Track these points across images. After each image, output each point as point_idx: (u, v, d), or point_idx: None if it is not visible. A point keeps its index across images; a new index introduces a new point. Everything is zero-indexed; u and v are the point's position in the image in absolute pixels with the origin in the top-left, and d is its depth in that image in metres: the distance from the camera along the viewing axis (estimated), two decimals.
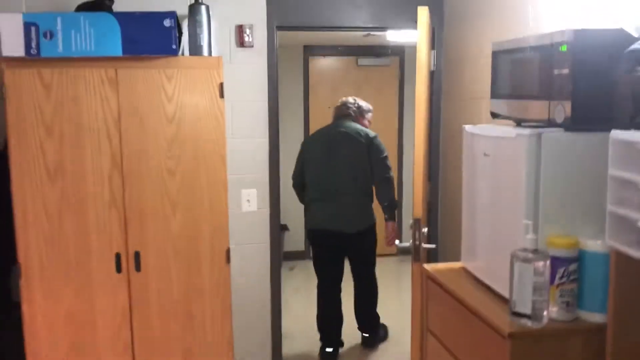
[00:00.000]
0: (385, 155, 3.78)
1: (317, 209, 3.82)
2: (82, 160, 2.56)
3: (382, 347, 4.04)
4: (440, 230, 3.50)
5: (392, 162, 5.67)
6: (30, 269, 2.56)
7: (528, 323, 1.53)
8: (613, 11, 1.85)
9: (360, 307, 4.09)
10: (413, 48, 5.79)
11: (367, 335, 4.13)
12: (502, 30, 2.60)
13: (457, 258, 2.13)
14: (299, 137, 5.87)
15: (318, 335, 3.99)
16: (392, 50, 5.95)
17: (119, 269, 2.65)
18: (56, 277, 2.58)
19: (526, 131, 1.59)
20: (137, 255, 2.65)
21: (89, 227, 2.60)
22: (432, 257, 3.30)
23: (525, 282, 1.51)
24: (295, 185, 4.00)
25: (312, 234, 3.91)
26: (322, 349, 3.96)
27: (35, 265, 2.56)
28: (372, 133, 3.83)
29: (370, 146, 3.75)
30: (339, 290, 3.97)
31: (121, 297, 2.67)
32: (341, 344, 4.01)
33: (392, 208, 3.79)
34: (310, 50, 5.87)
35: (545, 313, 1.53)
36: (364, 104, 4.05)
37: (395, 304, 4.87)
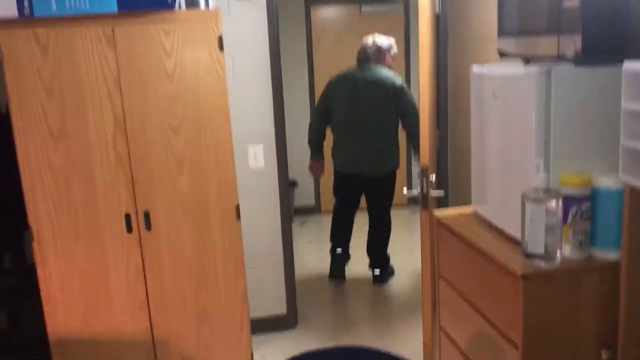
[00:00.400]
0: (415, 106, 3.86)
1: (343, 153, 4.08)
2: (84, 122, 2.53)
3: (395, 293, 4.07)
4: (450, 176, 3.47)
5: None
6: (42, 233, 2.57)
7: (541, 263, 1.51)
8: None
9: (374, 245, 4.31)
10: None
11: (377, 273, 4.31)
12: None
13: (467, 204, 2.10)
14: (305, 89, 5.80)
15: (332, 285, 4.06)
16: None
17: (129, 229, 2.65)
18: (68, 240, 2.60)
19: (535, 68, 1.54)
20: (146, 214, 2.65)
21: (97, 188, 2.59)
22: (442, 204, 3.28)
23: (537, 223, 1.49)
24: (315, 124, 4.20)
25: (338, 174, 4.21)
26: (333, 251, 4.32)
27: (47, 229, 2.57)
28: (397, 81, 3.90)
29: (399, 96, 3.88)
30: (353, 214, 4.32)
31: (134, 257, 2.68)
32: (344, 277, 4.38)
33: None
34: (312, 0, 5.72)
35: (558, 253, 1.51)
36: (384, 42, 4.04)
37: (406, 253, 4.89)
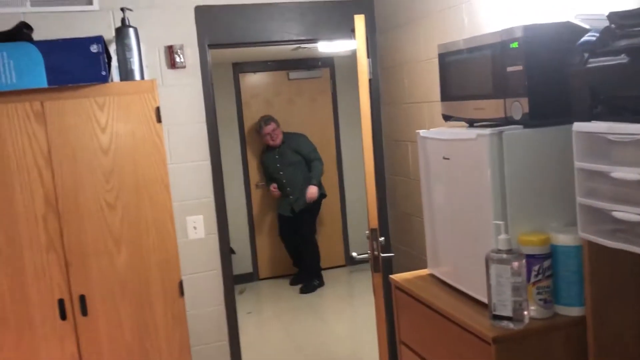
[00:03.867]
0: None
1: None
2: (11, 203, 2.35)
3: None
4: (392, 239, 3.48)
5: (332, 172, 5.68)
6: None
7: (510, 325, 1.50)
8: (547, 7, 1.88)
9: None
10: (342, 58, 5.86)
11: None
12: (437, 34, 2.61)
13: (412, 266, 2.10)
14: (237, 155, 5.75)
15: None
16: (322, 62, 5.95)
17: (63, 315, 2.45)
18: None
19: (487, 131, 1.57)
20: (82, 298, 2.47)
21: (26, 273, 2.39)
22: (386, 266, 3.26)
23: (503, 284, 1.48)
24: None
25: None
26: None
27: None
28: None
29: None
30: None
31: (69, 345, 2.47)
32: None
33: None
34: (240, 68, 5.77)
35: (525, 313, 1.51)
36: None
37: (351, 318, 4.81)
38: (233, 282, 3.36)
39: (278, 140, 5.46)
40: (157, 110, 2.51)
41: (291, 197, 5.47)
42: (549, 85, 1.53)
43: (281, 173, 5.50)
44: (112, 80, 2.61)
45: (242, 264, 5.87)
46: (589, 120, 1.37)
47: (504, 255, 1.49)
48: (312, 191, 5.37)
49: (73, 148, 2.42)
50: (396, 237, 3.41)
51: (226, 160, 5.64)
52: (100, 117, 2.44)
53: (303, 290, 5.53)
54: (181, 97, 3.10)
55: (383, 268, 2.99)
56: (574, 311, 1.54)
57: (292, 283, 5.76)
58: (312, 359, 4.04)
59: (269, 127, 5.43)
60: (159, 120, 2.51)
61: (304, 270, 5.68)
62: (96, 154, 2.45)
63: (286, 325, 4.70)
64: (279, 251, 5.94)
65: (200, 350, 3.28)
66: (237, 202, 5.80)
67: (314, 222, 5.70)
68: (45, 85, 2.32)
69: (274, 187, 5.56)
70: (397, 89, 3.15)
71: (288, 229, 5.63)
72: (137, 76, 2.61)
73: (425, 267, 2.07)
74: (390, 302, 2.16)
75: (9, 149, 2.34)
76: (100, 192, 2.47)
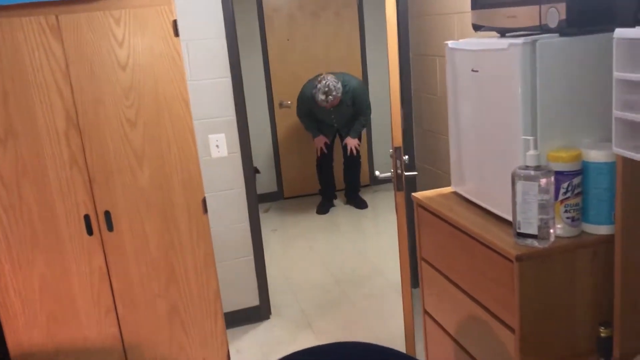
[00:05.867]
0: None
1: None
2: (33, 120, 2.34)
3: (369, 281, 4.02)
4: (417, 157, 3.42)
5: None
6: None
7: (535, 243, 1.46)
8: None
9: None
10: None
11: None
12: None
13: (437, 184, 2.05)
14: (259, 73, 5.64)
15: (302, 272, 3.96)
16: None
17: (90, 231, 2.49)
18: (24, 247, 2.42)
19: (519, 40, 1.47)
20: (107, 214, 2.50)
21: (52, 190, 2.42)
22: (410, 185, 3.23)
23: (530, 201, 1.43)
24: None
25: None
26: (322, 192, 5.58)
27: None
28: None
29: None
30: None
31: (96, 260, 2.53)
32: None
33: None
34: None
35: (551, 231, 1.47)
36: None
37: (374, 236, 4.85)
38: (257, 200, 3.38)
39: (336, 102, 4.94)
40: (175, 23, 2.42)
41: (336, 125, 5.26)
42: None
43: (334, 120, 5.20)
44: None
45: (267, 183, 5.90)
46: (632, 26, 1.26)
47: (532, 172, 1.43)
48: (351, 143, 5.15)
49: (91, 63, 2.37)
50: (421, 156, 3.35)
51: (248, 78, 5.56)
52: (116, 32, 2.37)
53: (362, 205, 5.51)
54: (199, 10, 3.00)
55: (406, 186, 2.96)
56: (602, 229, 1.50)
57: (321, 211, 5.51)
58: (335, 274, 4.11)
59: (334, 101, 4.86)
60: (176, 34, 2.43)
61: (351, 189, 5.61)
62: (114, 70, 2.40)
63: (310, 242, 4.77)
64: (304, 170, 5.94)
65: (227, 265, 3.36)
66: (262, 121, 5.75)
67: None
68: None
69: (321, 141, 5.25)
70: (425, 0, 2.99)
71: (327, 156, 5.39)
72: None
73: (449, 185, 2.02)
74: (412, 220, 2.14)
75: (27, 65, 2.30)
76: (121, 108, 2.44)
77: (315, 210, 5.58)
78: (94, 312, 2.57)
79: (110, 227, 2.51)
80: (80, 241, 2.50)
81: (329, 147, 5.36)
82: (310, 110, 5.11)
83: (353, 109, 5.08)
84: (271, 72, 5.68)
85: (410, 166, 3.35)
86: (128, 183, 2.50)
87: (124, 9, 2.36)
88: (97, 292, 2.56)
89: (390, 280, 3.90)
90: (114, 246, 2.54)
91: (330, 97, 4.76)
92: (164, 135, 2.50)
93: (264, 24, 5.60)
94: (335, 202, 5.75)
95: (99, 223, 2.50)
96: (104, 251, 2.53)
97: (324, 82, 4.77)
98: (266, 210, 5.71)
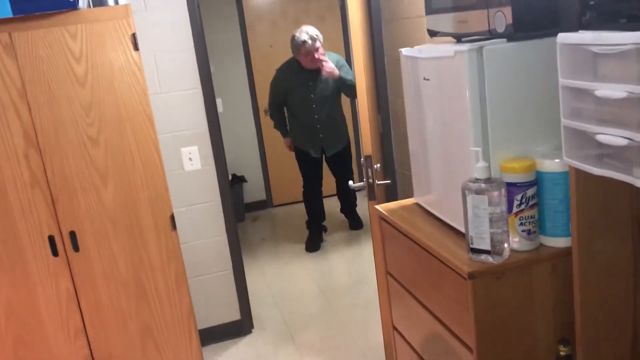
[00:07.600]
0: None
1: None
2: None
3: (353, 291, 3.95)
4: (396, 163, 3.35)
5: (343, 97, 5.48)
6: None
7: (489, 259, 1.39)
8: None
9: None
10: None
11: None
12: None
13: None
14: (243, 80, 5.58)
15: (288, 285, 3.89)
16: None
17: (55, 252, 2.44)
18: None
19: (465, 46, 1.40)
20: (72, 235, 2.44)
21: (13, 212, 2.36)
22: (391, 193, 3.16)
23: (480, 216, 1.36)
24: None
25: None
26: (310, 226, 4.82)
27: None
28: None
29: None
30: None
31: (63, 282, 2.47)
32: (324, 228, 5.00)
33: None
34: None
35: (506, 246, 1.40)
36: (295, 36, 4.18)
37: (357, 247, 4.78)
38: (233, 212, 3.32)
39: (321, 55, 4.15)
40: (134, 37, 2.36)
41: (321, 135, 4.49)
42: None
43: (314, 107, 4.37)
44: (85, 7, 2.46)
45: (255, 191, 5.84)
46: (576, 30, 1.19)
47: (482, 185, 1.36)
48: (328, 68, 4.13)
49: (48, 81, 2.31)
50: (400, 162, 3.28)
51: (232, 86, 5.51)
52: (73, 47, 2.31)
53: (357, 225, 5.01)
54: (166, 21, 2.94)
55: (386, 194, 2.89)
56: (561, 242, 1.43)
57: (311, 249, 4.69)
58: (320, 283, 4.04)
59: (315, 45, 4.11)
60: (135, 48, 2.38)
61: (350, 213, 5.05)
62: (73, 86, 2.34)
63: (298, 252, 4.70)
64: (292, 177, 5.87)
65: (205, 279, 3.30)
66: (247, 128, 5.69)
67: (350, 164, 4.85)
68: (10, 14, 2.18)
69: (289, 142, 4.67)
70: (397, 3, 2.92)
71: (315, 175, 4.68)
72: (111, 1, 2.45)
73: None
74: None
75: None
76: (82, 125, 2.38)
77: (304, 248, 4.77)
78: (63, 335, 2.51)
79: (76, 248, 2.45)
80: (46, 263, 2.44)
81: (317, 176, 4.69)
82: (285, 97, 4.36)
83: (334, 89, 4.31)
84: (255, 79, 5.62)
85: (389, 173, 3.29)
86: (92, 202, 2.44)
87: (80, 23, 2.30)
88: (66, 314, 2.50)
89: (375, 290, 3.82)
90: (81, 267, 2.48)
91: (317, 42, 4.08)
92: (127, 151, 2.44)
93: (245, 31, 5.54)
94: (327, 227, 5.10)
95: (64, 244, 2.44)
96: (70, 272, 2.48)
97: (304, 27, 4.16)
98: (254, 219, 5.65)
